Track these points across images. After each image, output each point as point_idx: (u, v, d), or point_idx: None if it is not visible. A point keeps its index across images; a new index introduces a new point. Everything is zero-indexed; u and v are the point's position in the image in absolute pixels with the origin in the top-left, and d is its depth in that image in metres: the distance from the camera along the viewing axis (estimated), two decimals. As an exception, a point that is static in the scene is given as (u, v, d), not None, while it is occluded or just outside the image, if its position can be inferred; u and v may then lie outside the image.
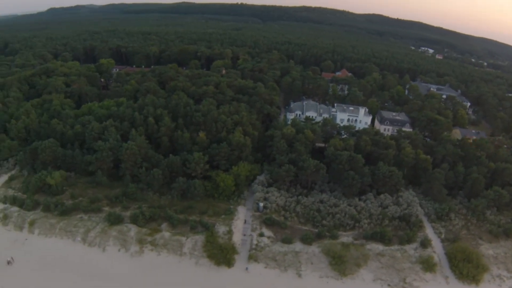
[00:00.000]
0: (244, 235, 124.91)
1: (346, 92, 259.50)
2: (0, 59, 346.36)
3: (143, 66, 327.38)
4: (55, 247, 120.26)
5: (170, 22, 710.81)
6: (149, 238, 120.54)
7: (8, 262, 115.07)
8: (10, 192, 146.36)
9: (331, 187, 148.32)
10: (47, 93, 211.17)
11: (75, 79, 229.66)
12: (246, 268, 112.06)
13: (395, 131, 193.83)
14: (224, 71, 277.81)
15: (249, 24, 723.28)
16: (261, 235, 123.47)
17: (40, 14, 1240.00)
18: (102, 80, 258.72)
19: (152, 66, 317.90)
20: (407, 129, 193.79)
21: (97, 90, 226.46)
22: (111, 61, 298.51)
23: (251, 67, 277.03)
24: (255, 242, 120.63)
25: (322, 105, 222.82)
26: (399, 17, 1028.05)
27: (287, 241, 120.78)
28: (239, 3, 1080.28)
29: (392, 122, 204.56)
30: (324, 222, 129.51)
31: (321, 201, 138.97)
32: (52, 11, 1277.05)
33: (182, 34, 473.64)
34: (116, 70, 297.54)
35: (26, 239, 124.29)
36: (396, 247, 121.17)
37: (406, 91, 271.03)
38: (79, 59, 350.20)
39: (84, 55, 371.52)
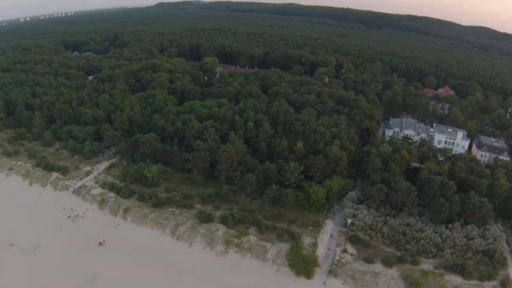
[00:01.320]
0: (328, 249, 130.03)
1: (446, 111, 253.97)
2: (110, 51, 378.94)
3: (246, 67, 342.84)
4: (145, 235, 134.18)
5: (275, 24, 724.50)
6: (236, 240, 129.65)
7: (100, 243, 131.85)
8: (109, 178, 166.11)
9: (420, 211, 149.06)
10: (152, 88, 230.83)
11: (179, 76, 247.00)
12: (324, 283, 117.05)
13: (492, 158, 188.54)
14: (326, 80, 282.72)
15: (354, 31, 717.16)
16: (345, 251, 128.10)
17: (148, 8, 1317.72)
18: (205, 78, 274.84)
19: (255, 68, 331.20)
20: (504, 157, 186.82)
21: (199, 88, 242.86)
22: (216, 60, 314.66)
23: (354, 77, 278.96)
24: (337, 257, 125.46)
25: (421, 124, 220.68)
26: (507, 31, 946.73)
27: (368, 260, 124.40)
28: (345, 7, 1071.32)
29: (490, 148, 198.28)
30: (407, 246, 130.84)
31: (408, 225, 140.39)
32: (160, 5, 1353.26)
33: (287, 37, 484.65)
34: (220, 68, 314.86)
35: (119, 225, 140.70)
36: (474, 282, 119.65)
37: (508, 115, 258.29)
38: (185, 55, 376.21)
39: (190, 51, 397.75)
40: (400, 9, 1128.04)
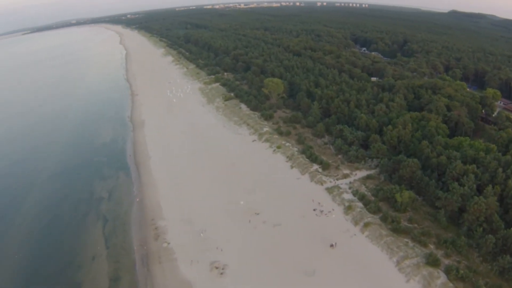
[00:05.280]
0: None
1: None
2: (397, 57, 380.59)
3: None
4: (372, 254, 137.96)
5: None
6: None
7: (331, 245, 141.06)
8: (363, 188, 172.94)
9: None
10: (428, 111, 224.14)
11: (457, 105, 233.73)
12: None
13: None
14: None
15: None
16: None
17: (440, 15, 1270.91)
18: (483, 111, 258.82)
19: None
20: None
21: (472, 124, 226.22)
22: (497, 93, 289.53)
23: None
24: None
25: None
26: None
27: None
28: None
29: None
30: None
31: None
32: (453, 14, 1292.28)
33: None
34: (500, 103, 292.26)
35: (355, 235, 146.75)
36: None
37: None
38: (467, 79, 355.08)
39: (474, 76, 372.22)
40: None
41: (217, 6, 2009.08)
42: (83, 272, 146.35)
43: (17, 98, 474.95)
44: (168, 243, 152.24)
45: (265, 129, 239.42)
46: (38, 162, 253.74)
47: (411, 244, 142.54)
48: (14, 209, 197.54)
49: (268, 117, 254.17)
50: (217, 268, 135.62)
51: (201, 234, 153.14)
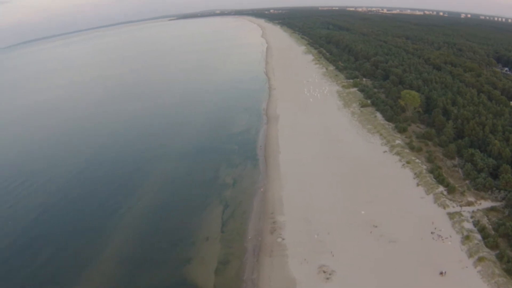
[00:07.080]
0: None
1: None
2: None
3: None
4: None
5: None
6: None
7: (441, 273, 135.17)
8: (484, 220, 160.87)
9: None
10: None
11: None
12: None
13: None
14: None
15: None
16: None
17: None
18: None
19: None
20: None
21: None
22: None
23: None
24: None
25: None
26: None
27: None
28: None
29: None
30: None
31: None
32: None
33: None
34: None
35: (467, 267, 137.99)
36: None
37: None
38: None
39: None
40: None
41: (359, 9, 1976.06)
42: (194, 250, 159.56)
43: (165, 78, 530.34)
44: (283, 239, 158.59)
45: (397, 142, 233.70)
46: (174, 140, 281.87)
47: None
48: (147, 181, 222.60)
49: (402, 130, 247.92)
50: (324, 272, 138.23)
51: (316, 236, 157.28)
